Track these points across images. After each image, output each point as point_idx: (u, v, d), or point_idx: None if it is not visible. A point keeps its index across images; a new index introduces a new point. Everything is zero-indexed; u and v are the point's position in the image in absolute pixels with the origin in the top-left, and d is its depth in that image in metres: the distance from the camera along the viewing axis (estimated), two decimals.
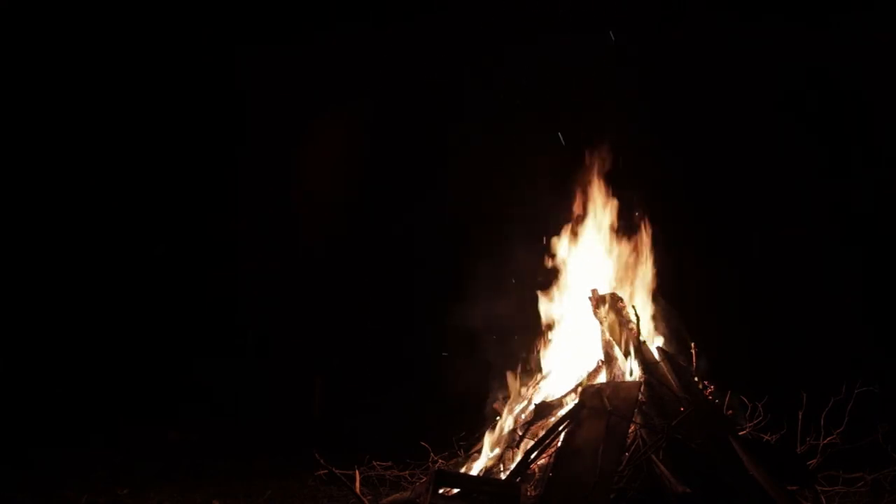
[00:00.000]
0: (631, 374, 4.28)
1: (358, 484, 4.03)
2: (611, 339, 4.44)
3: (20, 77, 7.80)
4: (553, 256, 5.05)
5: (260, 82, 8.33)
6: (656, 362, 4.26)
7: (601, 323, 4.51)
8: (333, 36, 8.08)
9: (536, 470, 3.97)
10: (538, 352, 4.90)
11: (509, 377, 4.87)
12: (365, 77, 8.19)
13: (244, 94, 8.33)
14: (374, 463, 4.64)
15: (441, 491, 3.73)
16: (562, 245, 5.04)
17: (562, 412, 4.18)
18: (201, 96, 8.25)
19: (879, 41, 7.14)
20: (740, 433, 4.23)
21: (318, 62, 8.19)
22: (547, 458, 3.96)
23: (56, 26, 7.86)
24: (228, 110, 8.27)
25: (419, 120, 7.94)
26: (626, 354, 4.34)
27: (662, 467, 3.54)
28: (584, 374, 4.47)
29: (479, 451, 4.57)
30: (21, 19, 7.69)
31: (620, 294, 4.64)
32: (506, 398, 4.78)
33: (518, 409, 4.64)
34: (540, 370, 4.84)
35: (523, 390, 4.78)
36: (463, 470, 4.47)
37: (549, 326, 4.92)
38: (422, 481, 4.41)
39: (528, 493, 3.75)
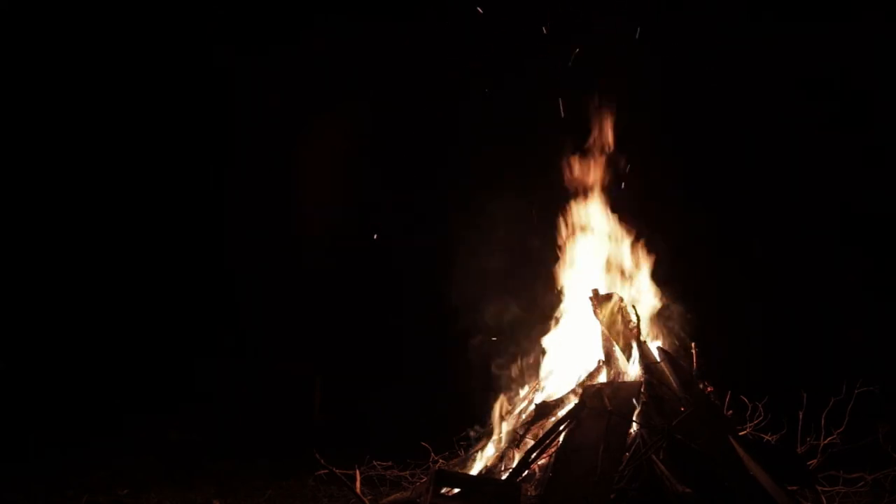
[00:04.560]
0: (631, 374, 4.29)
1: (358, 483, 4.03)
2: (611, 338, 4.45)
3: (19, 77, 7.80)
4: (556, 256, 5.06)
5: (258, 83, 8.32)
6: (656, 362, 4.27)
7: (602, 323, 4.52)
8: (331, 36, 8.07)
9: (537, 470, 3.97)
10: (539, 352, 4.90)
11: (510, 378, 4.87)
12: (364, 78, 8.19)
13: (243, 94, 8.32)
14: (375, 462, 4.64)
15: (442, 491, 3.73)
16: (563, 245, 5.04)
17: (562, 412, 4.18)
18: (200, 96, 8.25)
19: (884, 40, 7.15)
20: (741, 433, 4.23)
21: (317, 62, 8.19)
22: (547, 458, 3.97)
23: (55, 27, 7.86)
24: (228, 111, 8.26)
25: (418, 121, 7.94)
26: (627, 354, 4.35)
27: (663, 467, 3.54)
28: (585, 374, 4.47)
29: (480, 451, 4.57)
30: (21, 19, 7.69)
31: (621, 294, 4.65)
32: (506, 398, 4.78)
33: (519, 408, 4.64)
34: (541, 370, 4.84)
35: (524, 390, 4.78)
36: (463, 470, 4.47)
37: (550, 326, 4.93)
38: (422, 481, 4.42)
39: (529, 493, 3.76)
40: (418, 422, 5.39)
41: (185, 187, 8.39)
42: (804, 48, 7.45)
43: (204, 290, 8.28)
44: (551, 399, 4.43)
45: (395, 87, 8.06)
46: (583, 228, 5.01)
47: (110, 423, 6.76)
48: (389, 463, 4.71)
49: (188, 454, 6.18)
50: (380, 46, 7.87)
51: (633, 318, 4.38)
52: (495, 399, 4.83)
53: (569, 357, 4.73)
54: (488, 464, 4.41)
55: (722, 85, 7.49)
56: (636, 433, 3.84)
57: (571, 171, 5.07)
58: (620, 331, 4.45)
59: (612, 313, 4.52)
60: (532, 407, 4.44)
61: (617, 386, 4.09)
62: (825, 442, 4.29)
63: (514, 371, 4.93)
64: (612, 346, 4.43)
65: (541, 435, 4.04)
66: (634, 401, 3.95)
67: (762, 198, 7.77)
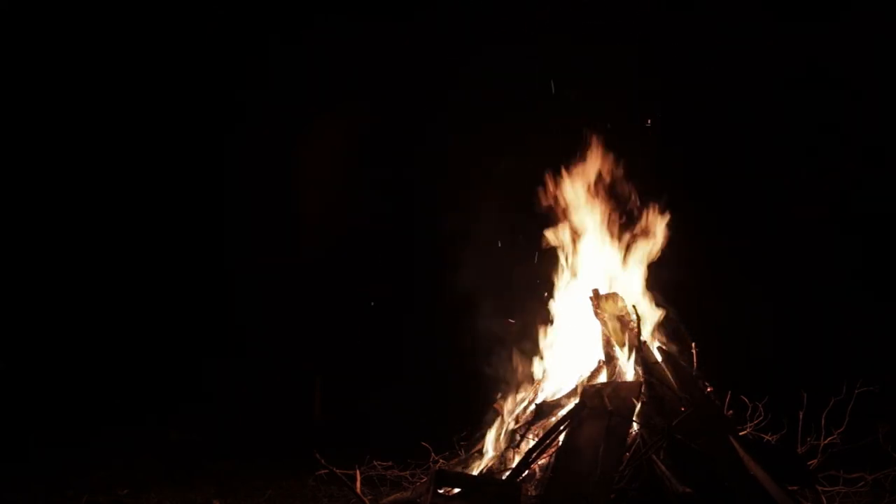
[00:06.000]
0: (631, 374, 4.29)
1: (358, 483, 4.03)
2: (611, 338, 4.45)
3: (19, 77, 7.80)
4: (553, 254, 5.06)
5: (257, 82, 8.32)
6: (657, 362, 4.27)
7: (602, 323, 4.52)
8: (327, 35, 8.06)
9: (537, 470, 3.97)
10: (539, 352, 4.90)
11: (510, 377, 4.87)
12: (362, 76, 8.18)
13: (241, 94, 8.32)
14: (375, 462, 4.64)
15: (441, 491, 3.73)
16: (562, 244, 5.04)
17: (562, 412, 4.18)
18: (201, 97, 8.25)
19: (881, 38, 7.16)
20: (741, 433, 4.23)
21: (316, 60, 8.19)
22: (547, 458, 3.97)
23: (53, 25, 7.86)
24: (227, 111, 8.26)
25: (416, 120, 7.94)
26: (627, 354, 4.35)
27: (663, 467, 3.54)
28: (585, 374, 4.47)
29: (480, 451, 4.57)
30: (21, 19, 7.70)
31: (621, 294, 4.65)
32: (507, 398, 4.78)
33: (519, 408, 4.64)
34: (541, 370, 4.84)
35: (524, 390, 4.78)
36: (463, 470, 4.47)
37: (550, 326, 4.93)
38: (422, 481, 4.42)
39: (529, 493, 3.76)
40: (418, 422, 5.39)
41: (185, 187, 8.39)
42: (804, 46, 7.45)
43: (204, 290, 8.28)
44: (551, 399, 4.44)
45: (395, 86, 8.05)
46: (583, 229, 5.00)
47: (110, 423, 6.76)
48: (390, 463, 4.71)
49: (188, 454, 6.18)
50: (380, 46, 7.87)
51: (634, 318, 4.38)
52: (496, 399, 4.84)
53: (569, 357, 4.73)
54: (488, 464, 4.42)
55: (722, 84, 7.49)
56: (636, 433, 3.84)
57: (572, 173, 5.07)
58: (620, 331, 4.46)
59: (612, 313, 4.52)
60: (532, 407, 4.44)
61: (617, 386, 4.08)
62: (825, 442, 4.29)
63: (515, 371, 4.93)
64: (612, 346, 4.43)
65: (541, 435, 4.04)
66: (634, 401, 3.95)
67: (762, 197, 7.77)
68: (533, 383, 4.79)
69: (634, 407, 3.90)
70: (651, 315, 4.72)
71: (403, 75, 7.97)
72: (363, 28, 7.92)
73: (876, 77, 7.48)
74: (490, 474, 4.24)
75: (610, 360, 4.40)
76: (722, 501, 3.47)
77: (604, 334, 4.50)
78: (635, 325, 4.34)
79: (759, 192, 7.77)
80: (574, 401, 4.17)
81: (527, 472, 3.90)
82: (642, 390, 4.01)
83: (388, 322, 7.88)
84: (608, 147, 5.04)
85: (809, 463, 4.20)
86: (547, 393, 4.61)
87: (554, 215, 5.05)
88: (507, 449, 4.32)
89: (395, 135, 8.10)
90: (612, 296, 4.60)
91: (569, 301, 4.94)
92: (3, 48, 7.62)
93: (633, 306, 4.44)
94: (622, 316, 4.51)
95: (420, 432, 4.77)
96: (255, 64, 8.25)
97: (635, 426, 3.83)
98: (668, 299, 4.80)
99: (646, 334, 4.48)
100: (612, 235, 4.95)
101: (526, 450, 4.01)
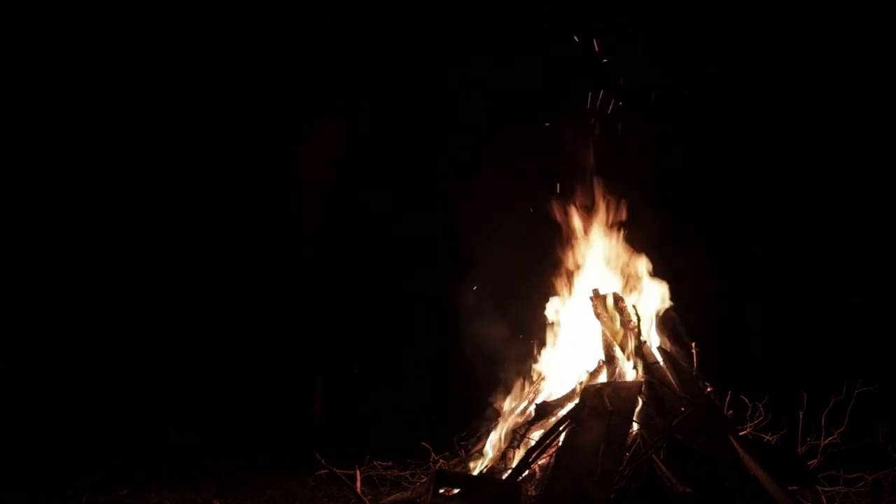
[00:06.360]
0: (631, 374, 4.29)
1: (359, 483, 4.03)
2: (612, 338, 4.45)
3: (21, 78, 7.81)
4: (554, 260, 5.06)
5: (257, 83, 8.32)
6: (657, 362, 4.27)
7: (602, 323, 4.52)
8: (331, 36, 8.06)
9: (537, 470, 3.97)
10: (539, 352, 4.91)
11: (511, 378, 4.87)
12: (361, 77, 8.18)
13: (242, 93, 8.32)
14: (375, 462, 4.64)
15: (441, 491, 3.73)
16: (563, 246, 5.04)
17: (563, 412, 4.18)
18: (200, 96, 8.25)
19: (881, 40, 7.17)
20: (741, 433, 4.23)
21: (315, 61, 8.19)
22: (548, 458, 3.97)
23: (52, 25, 7.86)
24: (227, 111, 8.26)
25: (417, 120, 7.93)
26: (627, 354, 4.35)
27: (663, 467, 3.54)
28: (585, 374, 4.47)
29: (480, 451, 4.57)
30: (21, 19, 7.70)
31: (621, 294, 4.65)
32: (507, 398, 4.79)
33: (519, 408, 4.64)
34: (541, 370, 4.84)
35: (524, 390, 4.78)
36: (463, 470, 4.47)
37: (551, 326, 4.93)
38: (422, 481, 4.42)
39: (529, 493, 3.76)
40: (418, 422, 5.39)
41: (184, 187, 8.38)
42: (802, 47, 7.46)
43: (204, 290, 8.28)
44: (551, 399, 4.44)
45: (395, 86, 8.05)
46: (584, 230, 5.01)
47: (110, 423, 6.76)
48: (390, 463, 4.71)
49: (188, 454, 6.18)
50: (380, 46, 7.87)
51: (634, 318, 4.38)
52: (496, 399, 4.84)
53: (569, 357, 4.73)
54: (488, 464, 4.42)
55: (719, 84, 7.49)
56: (636, 433, 3.84)
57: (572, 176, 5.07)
58: (620, 331, 4.46)
59: (612, 313, 4.53)
60: (532, 407, 4.44)
61: (617, 386, 4.08)
62: (825, 442, 4.29)
63: (515, 371, 4.93)
64: (613, 346, 4.43)
65: (541, 435, 4.04)
66: (635, 400, 3.95)
67: (761, 197, 7.77)
68: (533, 383, 4.79)
69: (634, 407, 3.91)
70: (651, 315, 4.72)
71: (403, 75, 7.97)
72: (364, 29, 7.92)
73: (876, 77, 7.49)
74: (490, 474, 4.24)
75: (610, 360, 4.41)
76: (722, 501, 3.47)
77: (604, 334, 4.50)
78: (635, 325, 4.34)
79: (759, 193, 7.77)
80: (574, 401, 4.17)
81: (527, 472, 3.90)
82: (642, 390, 4.02)
83: (388, 322, 7.88)
84: (610, 151, 5.06)
85: (809, 463, 4.20)
86: (547, 393, 4.61)
87: (557, 217, 5.06)
88: (507, 449, 4.32)
89: (395, 135, 8.10)
90: (613, 296, 4.60)
91: (570, 301, 4.95)
92: (8, 49, 7.62)
93: (634, 306, 4.44)
94: (623, 316, 4.51)
95: (420, 432, 4.77)
96: (256, 63, 8.25)
97: (635, 426, 3.84)
98: (669, 300, 4.80)
99: (646, 334, 4.48)
100: (613, 237, 4.96)
101: (526, 450, 4.01)
